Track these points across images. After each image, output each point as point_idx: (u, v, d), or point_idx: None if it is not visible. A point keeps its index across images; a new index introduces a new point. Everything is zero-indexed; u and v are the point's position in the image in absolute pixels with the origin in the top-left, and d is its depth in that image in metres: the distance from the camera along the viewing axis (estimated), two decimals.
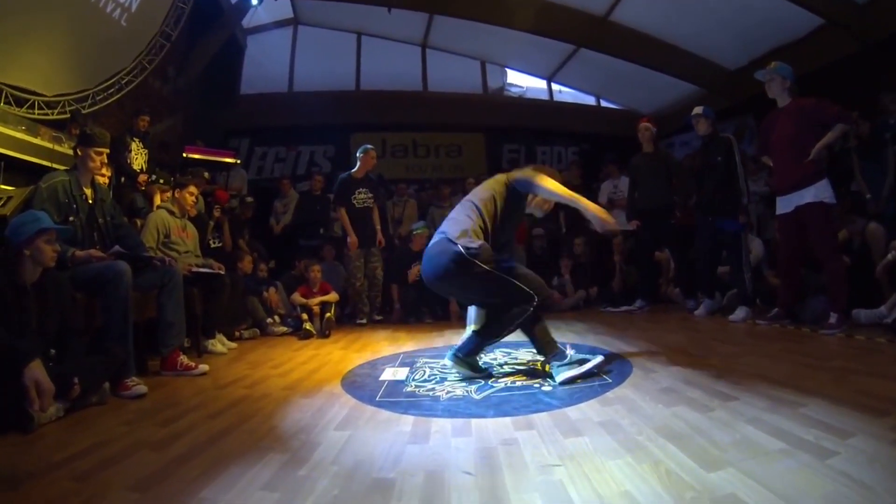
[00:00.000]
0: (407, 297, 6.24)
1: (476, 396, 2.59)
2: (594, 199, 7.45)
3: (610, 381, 2.71)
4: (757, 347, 3.52)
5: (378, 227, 6.26)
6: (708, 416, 2.00)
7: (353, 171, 6.15)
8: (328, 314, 5.29)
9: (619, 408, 2.22)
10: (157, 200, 5.22)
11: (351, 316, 6.25)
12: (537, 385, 2.74)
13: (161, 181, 5.37)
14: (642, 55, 8.57)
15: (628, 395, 2.43)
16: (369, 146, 6.23)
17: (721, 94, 8.62)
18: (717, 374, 2.67)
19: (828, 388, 2.25)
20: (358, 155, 6.15)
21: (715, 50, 8.21)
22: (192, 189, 4.59)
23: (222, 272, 4.46)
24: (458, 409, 2.40)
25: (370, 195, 6.15)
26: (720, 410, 2.06)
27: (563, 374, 2.76)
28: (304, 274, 5.95)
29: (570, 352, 2.90)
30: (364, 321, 5.92)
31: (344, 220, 6.00)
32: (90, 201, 3.40)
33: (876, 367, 2.70)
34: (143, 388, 2.87)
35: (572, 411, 2.24)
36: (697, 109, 5.23)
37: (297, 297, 5.56)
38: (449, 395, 2.65)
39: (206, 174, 6.30)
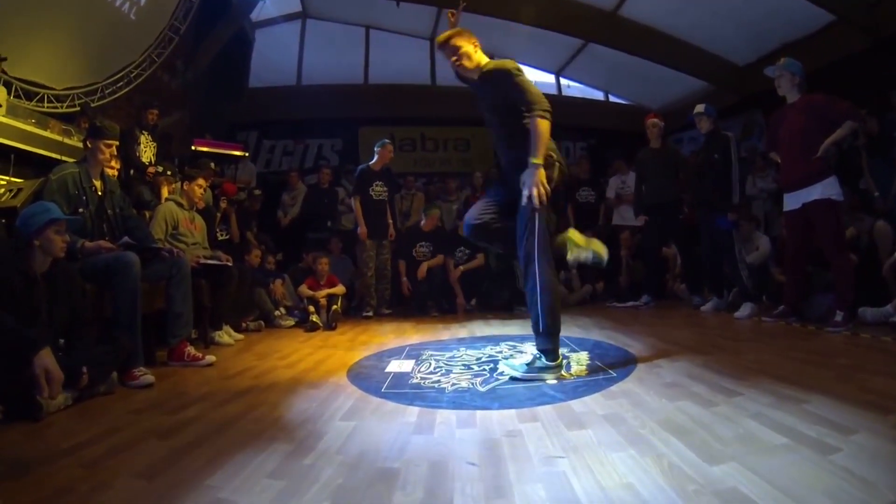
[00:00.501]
0: (415, 291, 6.27)
1: (481, 389, 2.60)
2: (602, 194, 7.51)
3: (615, 375, 2.71)
4: (762, 344, 3.51)
5: (390, 220, 6.35)
6: (711, 411, 2.00)
7: (370, 163, 6.27)
8: (335, 306, 5.30)
9: (624, 401, 2.23)
10: (165, 192, 5.25)
11: (358, 308, 6.28)
12: (542, 378, 2.75)
13: (168, 173, 5.40)
14: (651, 50, 8.52)
15: (632, 389, 2.43)
16: (387, 140, 6.42)
17: (730, 90, 8.58)
18: (721, 369, 2.67)
19: (832, 385, 2.25)
20: (376, 149, 6.29)
21: (724, 45, 8.16)
22: (201, 182, 4.62)
23: (230, 264, 4.49)
24: (463, 400, 2.41)
25: (385, 188, 6.29)
26: (724, 405, 2.06)
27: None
28: (312, 266, 5.98)
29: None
30: (371, 314, 5.95)
31: (357, 210, 6.08)
32: (100, 193, 3.43)
33: (881, 365, 2.69)
34: (150, 378, 2.90)
35: (576, 404, 2.24)
36: (699, 108, 5.23)
37: (304, 290, 5.58)
38: (454, 387, 2.67)
39: (213, 165, 6.33)
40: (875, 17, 6.28)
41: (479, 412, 2.21)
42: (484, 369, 3.02)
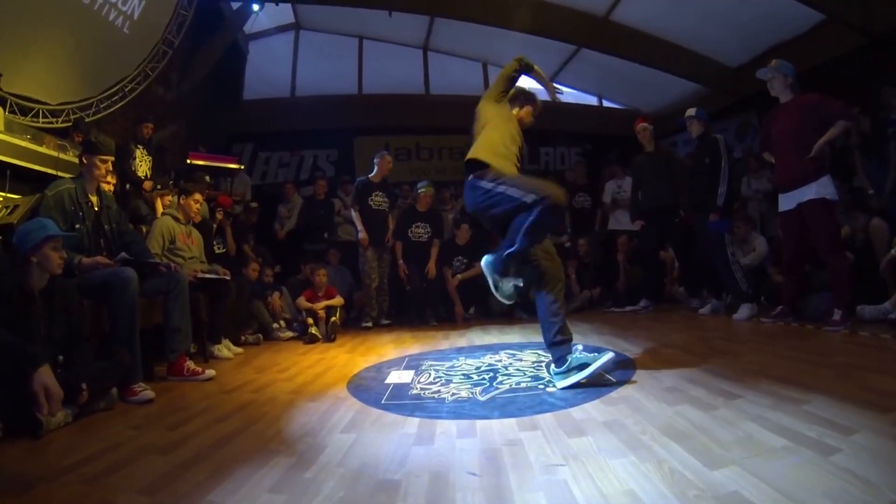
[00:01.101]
0: (413, 285, 6.29)
1: (481, 398, 2.60)
2: (598, 199, 7.51)
3: (614, 381, 2.71)
4: (761, 345, 3.52)
5: (391, 225, 6.38)
6: (711, 415, 2.00)
7: (370, 175, 6.34)
8: (333, 318, 5.29)
9: (623, 407, 2.23)
10: (159, 206, 5.25)
11: (356, 320, 6.27)
12: (542, 386, 2.75)
13: (159, 186, 5.38)
14: (644, 54, 8.54)
15: (632, 394, 2.43)
16: (385, 152, 6.57)
17: (723, 92, 8.61)
18: (720, 372, 2.68)
19: (831, 385, 2.25)
20: (375, 160, 6.36)
21: (716, 47, 8.19)
22: (198, 196, 4.62)
23: (228, 277, 4.48)
24: (463, 410, 2.41)
25: (385, 199, 6.33)
26: (724, 409, 2.06)
27: (564, 382, 2.71)
28: (310, 278, 5.97)
29: (577, 352, 2.82)
30: (370, 325, 5.94)
31: (357, 218, 6.13)
32: (96, 208, 3.43)
33: (880, 363, 2.70)
34: (150, 394, 2.89)
35: (576, 411, 2.24)
36: (690, 111, 5.25)
37: (302, 302, 5.56)
38: (454, 397, 2.67)
39: (208, 177, 6.34)
40: (867, 16, 6.32)
41: (479, 422, 2.21)
42: (483, 378, 3.02)
